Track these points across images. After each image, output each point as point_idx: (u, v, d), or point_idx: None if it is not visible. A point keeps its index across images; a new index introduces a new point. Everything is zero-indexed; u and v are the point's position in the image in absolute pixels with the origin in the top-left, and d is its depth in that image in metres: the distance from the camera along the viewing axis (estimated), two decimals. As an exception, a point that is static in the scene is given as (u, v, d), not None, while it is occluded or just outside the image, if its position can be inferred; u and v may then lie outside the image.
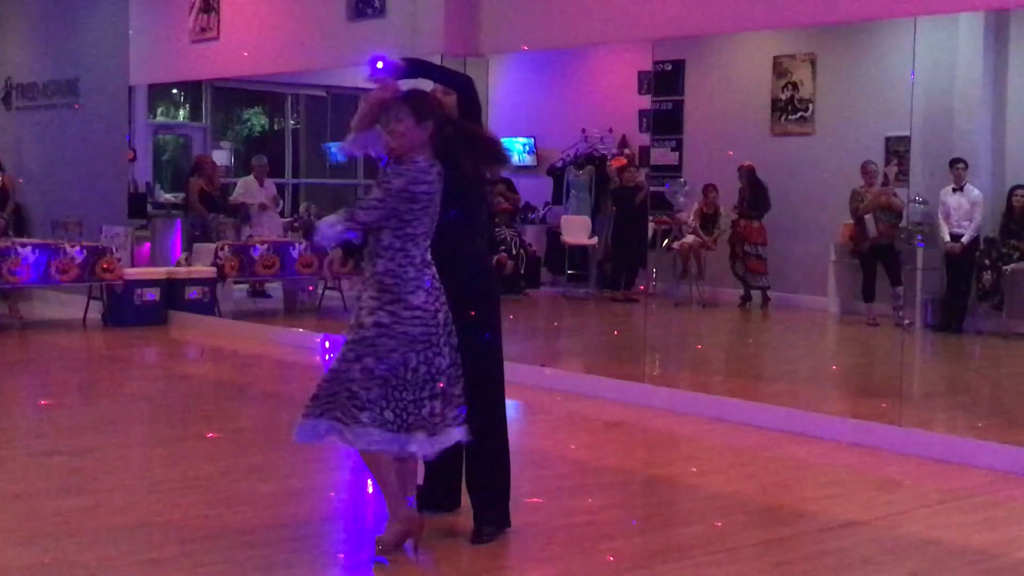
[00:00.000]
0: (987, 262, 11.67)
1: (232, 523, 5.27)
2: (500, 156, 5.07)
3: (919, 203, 12.24)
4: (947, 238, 11.75)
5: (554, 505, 5.68)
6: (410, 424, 4.71)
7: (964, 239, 11.63)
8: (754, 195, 13.53)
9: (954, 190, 11.75)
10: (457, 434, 4.82)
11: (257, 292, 14.29)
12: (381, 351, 4.70)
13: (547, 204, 16.09)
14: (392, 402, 4.70)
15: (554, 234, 15.62)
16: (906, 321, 11.88)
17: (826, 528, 5.43)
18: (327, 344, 10.04)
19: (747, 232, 13.51)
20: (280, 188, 15.73)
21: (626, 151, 15.24)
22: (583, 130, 15.65)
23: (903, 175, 12.50)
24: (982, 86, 11.90)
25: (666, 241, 14.22)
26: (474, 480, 5.14)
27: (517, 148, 16.71)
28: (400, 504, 4.81)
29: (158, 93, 17.01)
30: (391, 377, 4.70)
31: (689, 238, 13.87)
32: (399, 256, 4.72)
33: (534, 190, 16.30)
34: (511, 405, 8.49)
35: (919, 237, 12.20)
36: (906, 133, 11.46)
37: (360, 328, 4.74)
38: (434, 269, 4.77)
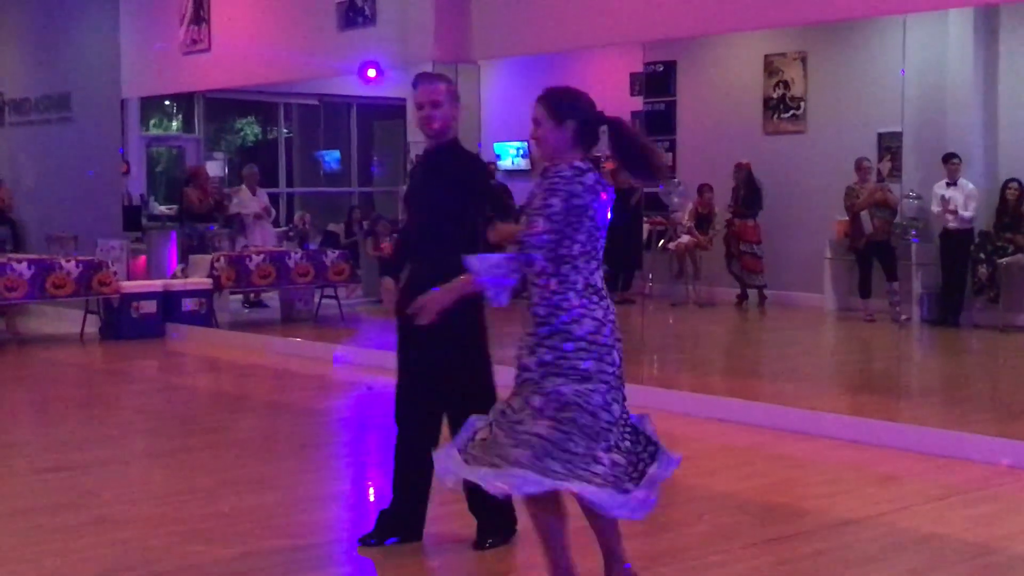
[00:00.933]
0: (982, 256, 11.70)
1: (234, 534, 5.28)
2: (659, 163, 4.38)
3: (913, 198, 12.27)
4: (937, 208, 11.75)
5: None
6: (582, 475, 4.01)
7: (964, 215, 11.62)
8: (749, 194, 13.55)
9: (948, 184, 11.78)
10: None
11: (253, 303, 14.29)
12: (549, 389, 4.05)
13: (542, 208, 16.09)
14: (559, 450, 4.00)
15: (549, 237, 15.62)
16: (903, 316, 11.91)
17: (827, 526, 5.44)
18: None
19: (742, 231, 13.54)
20: (274, 197, 15.75)
21: (620, 153, 15.24)
22: (576, 133, 15.66)
23: (896, 171, 12.54)
24: (973, 81, 11.93)
25: (662, 242, 14.24)
26: (475, 497, 4.90)
27: (510, 152, 16.73)
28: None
29: (150, 105, 17.02)
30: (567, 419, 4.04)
31: (684, 238, 13.90)
32: (554, 282, 4.07)
33: (528, 194, 16.29)
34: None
35: (914, 232, 12.23)
36: (898, 129, 11.49)
37: (524, 371, 4.12)
38: (606, 298, 4.14)
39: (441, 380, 4.93)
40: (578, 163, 4.13)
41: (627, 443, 4.08)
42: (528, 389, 4.08)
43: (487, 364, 5.03)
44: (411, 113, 10.97)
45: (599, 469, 3.99)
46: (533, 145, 4.21)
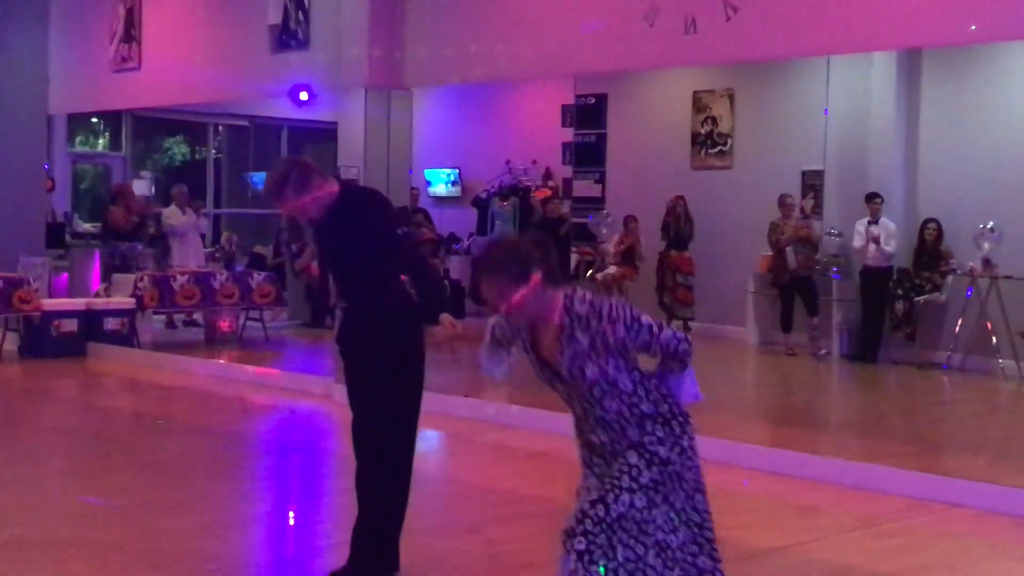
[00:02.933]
0: (899, 292, 11.95)
1: (155, 554, 5.23)
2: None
3: (834, 236, 12.52)
4: (860, 242, 11.96)
5: (478, 535, 5.71)
6: None
7: (886, 249, 11.85)
8: (685, 225, 13.67)
9: (870, 223, 12.00)
10: None
11: (186, 322, 14.13)
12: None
13: (472, 235, 16.17)
14: None
15: (478, 265, 15.69)
16: (822, 351, 12.11)
17: (741, 556, 5.50)
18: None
19: (679, 263, 13.67)
20: (201, 218, 15.62)
21: (550, 183, 15.39)
22: (507, 162, 15.79)
23: (818, 208, 12.79)
24: (895, 122, 12.20)
25: (589, 272, 14.35)
26: (364, 530, 4.86)
27: (442, 179, 16.81)
28: None
29: (77, 122, 16.85)
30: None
31: (612, 269, 14.01)
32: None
33: (459, 221, 16.39)
34: (435, 436, 8.55)
35: (835, 269, 12.47)
36: (821, 167, 11.73)
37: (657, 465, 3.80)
38: None
39: (375, 409, 4.81)
40: (570, 295, 3.75)
41: None
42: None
43: (416, 409, 4.91)
44: (341, 138, 11.07)
45: None
46: (510, 318, 3.83)
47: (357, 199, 4.91)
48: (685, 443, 3.82)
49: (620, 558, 3.67)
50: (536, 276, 3.71)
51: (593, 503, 3.71)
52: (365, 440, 4.83)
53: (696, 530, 3.84)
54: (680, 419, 3.83)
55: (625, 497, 3.71)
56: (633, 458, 3.75)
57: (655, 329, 3.76)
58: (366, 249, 4.75)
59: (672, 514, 3.80)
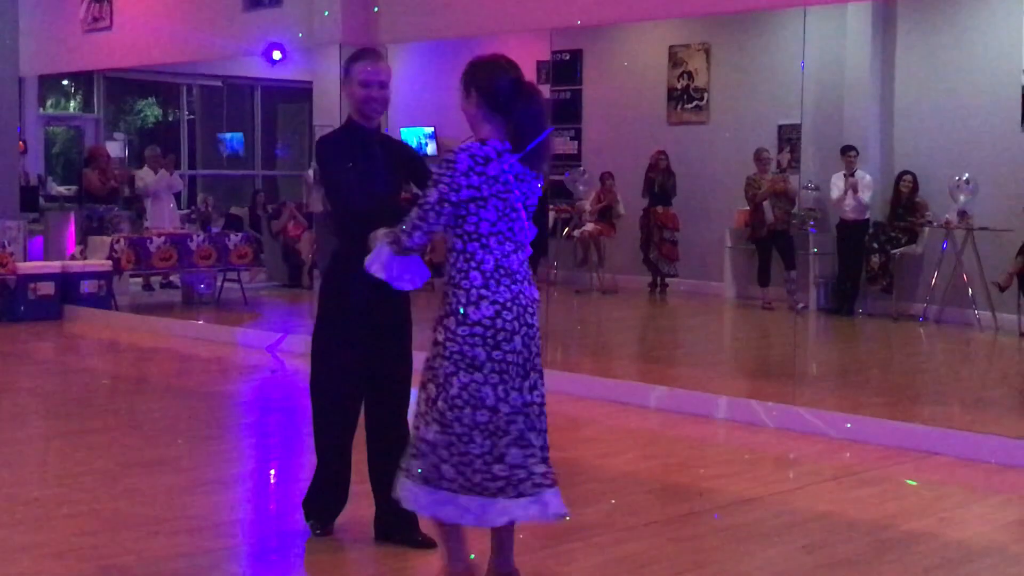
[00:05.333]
0: (875, 246, 12.00)
1: (137, 514, 5.23)
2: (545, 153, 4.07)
3: (811, 189, 12.55)
4: (837, 192, 12.00)
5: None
6: (480, 486, 3.91)
7: (863, 198, 11.90)
8: (668, 181, 13.68)
9: (846, 176, 12.04)
10: (551, 500, 3.99)
11: (163, 284, 14.08)
12: (440, 376, 3.94)
13: (447, 193, 16.12)
14: (453, 455, 3.91)
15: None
16: (800, 304, 12.18)
17: (724, 505, 5.56)
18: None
19: (664, 218, 13.69)
20: (176, 180, 15.51)
21: (525, 140, 15.32)
22: (483, 119, 15.71)
23: (795, 162, 12.81)
24: (870, 74, 12.21)
25: (566, 229, 14.35)
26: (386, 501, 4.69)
27: (418, 137, 16.72)
28: (457, 562, 4.13)
29: (49, 84, 16.68)
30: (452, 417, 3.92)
31: (589, 226, 14.02)
32: (461, 260, 3.95)
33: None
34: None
35: (812, 222, 12.51)
36: (797, 121, 11.74)
37: (432, 345, 4.00)
38: (523, 283, 4.00)
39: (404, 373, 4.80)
40: (486, 146, 3.93)
41: (541, 425, 4.02)
42: (426, 376, 3.98)
43: (410, 364, 4.86)
44: (317, 96, 11.02)
45: (499, 469, 3.89)
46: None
47: (394, 138, 5.01)
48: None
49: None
50: (471, 95, 4.03)
51: None
52: (391, 412, 4.78)
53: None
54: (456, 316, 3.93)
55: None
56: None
57: (423, 203, 3.95)
58: (400, 184, 4.82)
59: None
